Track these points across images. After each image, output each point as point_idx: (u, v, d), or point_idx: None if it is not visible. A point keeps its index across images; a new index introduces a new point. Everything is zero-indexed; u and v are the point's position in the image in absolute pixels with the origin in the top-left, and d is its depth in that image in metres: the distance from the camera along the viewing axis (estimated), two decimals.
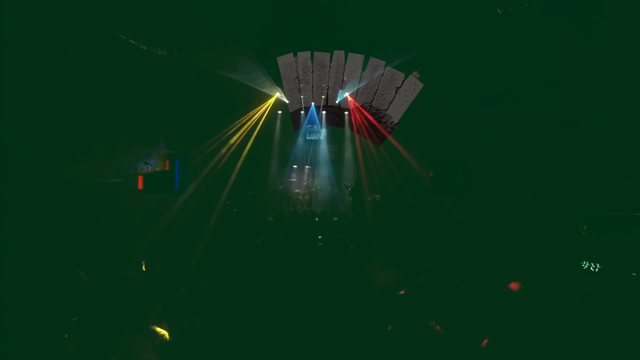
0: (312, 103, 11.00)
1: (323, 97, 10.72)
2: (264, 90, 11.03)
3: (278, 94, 11.20)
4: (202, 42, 10.74)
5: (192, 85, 11.13)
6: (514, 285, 5.52)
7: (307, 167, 12.54)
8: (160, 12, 9.97)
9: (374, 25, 10.58)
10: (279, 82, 10.84)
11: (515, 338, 4.86)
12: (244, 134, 11.72)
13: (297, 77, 10.65)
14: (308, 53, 10.61)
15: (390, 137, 11.09)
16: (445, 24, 10.31)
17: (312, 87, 10.63)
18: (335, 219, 9.10)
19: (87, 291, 5.33)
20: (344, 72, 10.60)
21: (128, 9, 9.64)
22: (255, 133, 11.77)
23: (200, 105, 11.38)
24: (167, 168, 10.09)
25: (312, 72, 10.50)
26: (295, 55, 10.58)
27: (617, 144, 10.20)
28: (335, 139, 12.50)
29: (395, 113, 10.61)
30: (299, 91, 10.75)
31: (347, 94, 10.68)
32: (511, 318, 5.18)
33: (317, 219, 9.38)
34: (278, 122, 11.80)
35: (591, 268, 6.68)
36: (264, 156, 11.84)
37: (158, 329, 4.23)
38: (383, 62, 10.45)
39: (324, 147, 12.28)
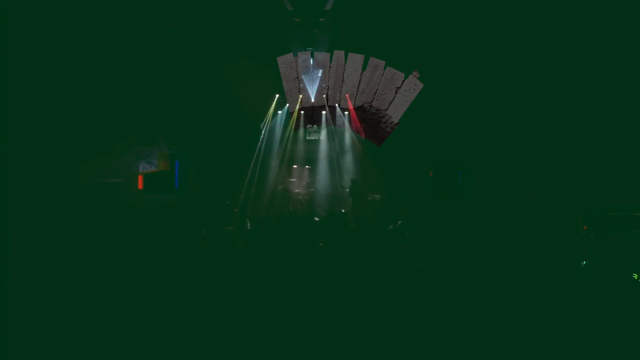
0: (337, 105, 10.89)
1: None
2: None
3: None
4: (204, 42, 10.74)
5: (191, 85, 11.12)
6: None
7: (307, 167, 12.53)
8: (160, 12, 9.98)
9: (374, 25, 10.59)
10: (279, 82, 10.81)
11: (516, 337, 4.86)
12: (245, 133, 11.70)
13: (297, 77, 10.64)
14: (308, 53, 10.61)
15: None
16: (445, 24, 10.31)
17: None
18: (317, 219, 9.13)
19: None
20: (343, 72, 10.60)
21: (127, 9, 9.64)
22: (256, 133, 11.76)
23: (201, 105, 11.36)
24: (167, 168, 10.09)
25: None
26: (295, 55, 10.57)
27: (617, 144, 10.19)
28: (335, 139, 12.49)
29: (395, 113, 10.60)
30: (299, 91, 10.74)
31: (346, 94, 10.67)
32: (511, 317, 5.18)
33: (317, 218, 9.38)
34: (278, 122, 11.78)
35: (590, 267, 6.69)
36: (264, 156, 11.82)
37: None
38: (383, 62, 10.44)
39: (324, 147, 12.27)
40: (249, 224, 9.21)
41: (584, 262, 6.72)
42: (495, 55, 10.49)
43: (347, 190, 11.54)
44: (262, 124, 11.64)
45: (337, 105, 10.91)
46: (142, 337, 4.83)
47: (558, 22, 9.89)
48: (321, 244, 6.79)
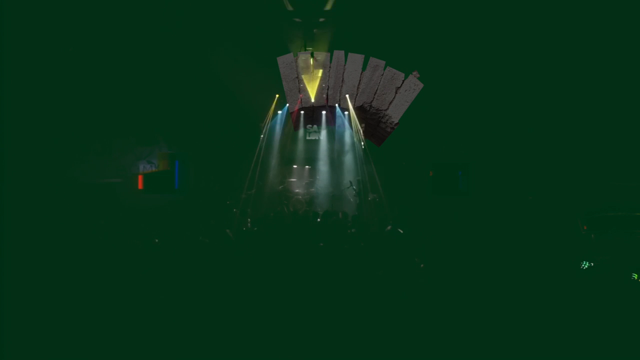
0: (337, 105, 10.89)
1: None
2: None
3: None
4: (203, 42, 10.74)
5: (191, 85, 11.12)
6: None
7: (307, 167, 12.52)
8: (159, 12, 9.98)
9: (374, 25, 10.59)
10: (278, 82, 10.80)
11: (516, 337, 4.87)
12: (245, 133, 11.71)
13: (297, 77, 10.63)
14: (308, 53, 10.60)
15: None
16: (445, 24, 10.32)
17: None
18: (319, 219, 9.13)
19: None
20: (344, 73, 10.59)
21: (126, 9, 9.64)
22: (256, 133, 11.76)
23: (201, 105, 11.37)
24: (167, 168, 10.10)
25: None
26: (295, 55, 10.56)
27: (616, 144, 10.20)
28: (335, 139, 12.49)
29: (395, 113, 10.59)
30: (299, 91, 10.73)
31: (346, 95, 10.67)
32: (512, 317, 5.19)
33: (319, 219, 9.37)
34: (278, 122, 11.78)
35: (591, 267, 6.69)
36: (264, 156, 11.83)
37: None
38: (383, 62, 10.43)
39: (324, 147, 12.26)
40: (249, 224, 9.21)
41: (585, 263, 6.72)
42: (495, 56, 10.49)
43: (354, 190, 11.50)
44: (262, 124, 11.64)
45: (337, 105, 10.90)
46: (142, 336, 4.84)
47: (557, 22, 9.89)
48: (321, 244, 6.78)
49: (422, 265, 5.88)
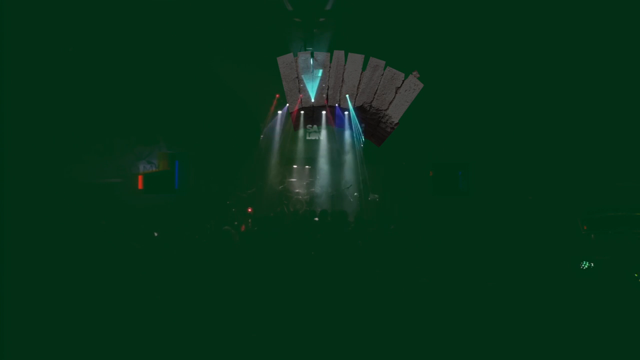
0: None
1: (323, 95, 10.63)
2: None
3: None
4: (203, 42, 10.74)
5: (191, 85, 11.13)
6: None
7: (307, 167, 12.53)
8: (159, 12, 9.98)
9: (374, 25, 10.60)
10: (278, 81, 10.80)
11: (516, 337, 4.87)
12: (245, 133, 11.72)
13: (297, 77, 10.63)
14: (308, 53, 10.60)
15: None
16: (445, 24, 10.32)
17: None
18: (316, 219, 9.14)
19: None
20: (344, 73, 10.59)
21: (126, 9, 9.65)
22: (257, 132, 11.77)
23: (201, 105, 11.37)
24: (167, 168, 10.11)
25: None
26: (295, 55, 10.56)
27: (617, 144, 10.20)
28: (335, 139, 12.50)
29: (395, 113, 10.59)
30: (299, 91, 10.73)
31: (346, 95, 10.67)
32: (511, 317, 5.19)
33: (316, 218, 9.38)
34: (278, 122, 11.79)
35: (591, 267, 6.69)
36: (264, 156, 11.83)
37: None
38: (383, 62, 10.43)
39: (324, 147, 12.26)
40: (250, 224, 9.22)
41: (585, 263, 6.72)
42: (495, 56, 10.49)
43: (355, 192, 11.50)
44: (262, 124, 11.65)
45: (337, 105, 10.90)
46: (141, 336, 4.84)
47: (557, 22, 9.89)
48: (313, 253, 6.75)
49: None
